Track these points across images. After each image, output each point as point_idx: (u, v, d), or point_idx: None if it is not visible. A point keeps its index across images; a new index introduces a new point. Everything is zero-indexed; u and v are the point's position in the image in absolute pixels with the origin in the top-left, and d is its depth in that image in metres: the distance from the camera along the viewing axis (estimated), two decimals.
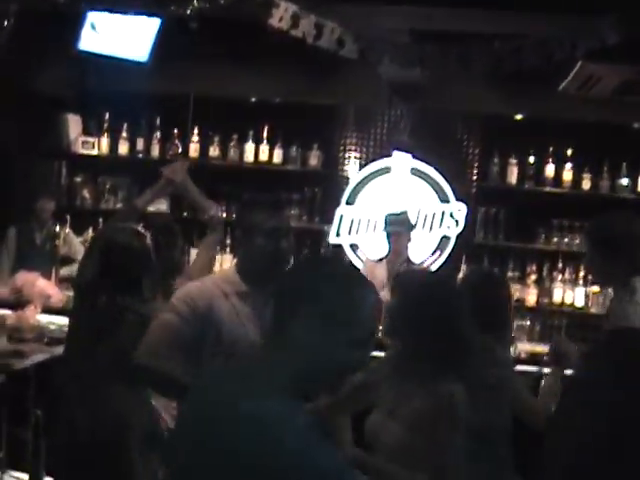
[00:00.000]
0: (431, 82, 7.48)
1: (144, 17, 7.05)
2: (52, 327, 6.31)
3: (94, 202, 8.87)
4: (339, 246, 8.21)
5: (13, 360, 5.54)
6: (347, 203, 8.29)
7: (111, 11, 6.90)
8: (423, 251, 8.07)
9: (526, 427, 3.89)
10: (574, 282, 8.10)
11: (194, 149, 8.64)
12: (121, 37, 7.31)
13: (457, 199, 8.21)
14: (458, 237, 8.22)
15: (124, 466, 4.23)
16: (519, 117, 8.25)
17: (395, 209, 7.34)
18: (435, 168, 8.21)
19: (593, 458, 1.92)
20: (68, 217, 8.08)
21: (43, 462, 5.67)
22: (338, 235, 8.23)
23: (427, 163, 8.21)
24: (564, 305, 8.10)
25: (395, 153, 8.23)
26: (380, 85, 7.89)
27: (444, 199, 8.22)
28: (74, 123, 8.76)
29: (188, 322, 3.62)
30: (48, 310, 6.57)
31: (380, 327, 2.37)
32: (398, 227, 7.02)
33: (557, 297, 8.13)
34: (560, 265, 8.18)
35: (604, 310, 6.50)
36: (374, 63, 7.01)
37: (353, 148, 8.48)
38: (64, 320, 5.50)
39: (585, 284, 8.00)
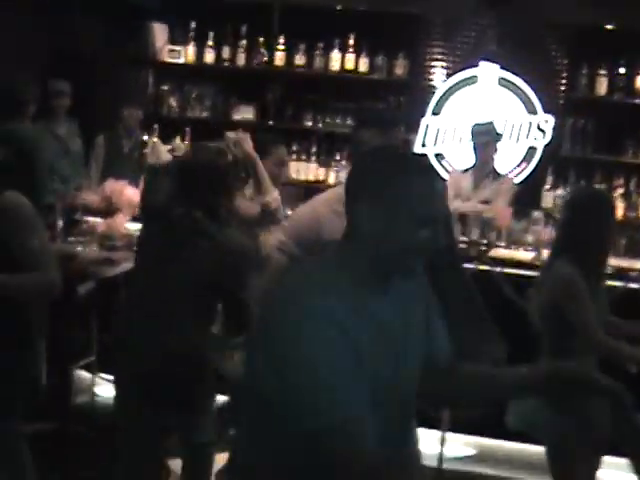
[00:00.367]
0: None
1: None
2: None
3: (181, 111, 8.92)
4: (424, 155, 8.17)
5: (103, 267, 5.65)
6: (433, 113, 8.23)
7: None
8: (509, 162, 8.01)
9: None
10: None
11: (280, 58, 8.60)
12: None
13: (545, 110, 8.09)
14: (545, 149, 8.14)
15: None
16: (610, 27, 8.04)
17: (481, 119, 7.27)
18: (523, 78, 8.09)
19: None
20: (156, 126, 8.14)
21: None
22: (424, 145, 8.21)
23: (514, 73, 8.09)
24: None
25: (482, 63, 8.13)
26: None
27: (531, 110, 8.11)
28: (160, 31, 8.77)
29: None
30: (136, 218, 6.67)
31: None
32: (484, 137, 6.96)
33: None
34: None
35: None
36: None
37: (439, 57, 8.38)
38: None
39: None
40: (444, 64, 8.37)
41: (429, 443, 5.31)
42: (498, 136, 7.06)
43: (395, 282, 2.24)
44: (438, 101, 8.23)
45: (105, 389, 6.00)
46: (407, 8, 8.12)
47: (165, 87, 8.97)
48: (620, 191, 8.06)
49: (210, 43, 8.73)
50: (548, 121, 8.07)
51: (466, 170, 7.14)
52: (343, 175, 7.57)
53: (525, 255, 6.27)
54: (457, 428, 5.63)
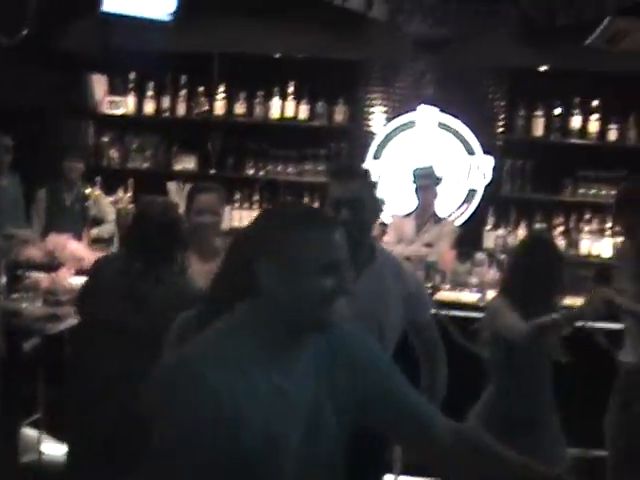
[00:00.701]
0: (456, 36, 7.45)
1: None
2: None
3: (122, 162, 8.90)
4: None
5: (49, 323, 5.56)
6: (373, 158, 8.30)
7: None
8: (451, 204, 8.10)
9: None
10: (601, 233, 8.11)
11: (220, 106, 8.64)
12: None
13: (484, 152, 8.21)
14: (485, 190, 8.24)
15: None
16: (544, 68, 8.19)
17: (422, 163, 7.34)
18: (461, 121, 8.21)
19: None
20: (98, 178, 8.10)
21: None
22: None
23: (453, 116, 8.21)
24: (590, 257, 8.11)
25: (421, 107, 8.23)
26: (405, 39, 7.87)
27: (470, 152, 8.22)
28: (99, 83, 8.78)
29: None
30: (81, 272, 6.61)
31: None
32: (425, 181, 7.01)
33: (584, 249, 8.15)
34: (587, 216, 8.17)
35: None
36: (403, 24, 6.97)
37: (379, 103, 8.47)
38: None
39: (612, 235, 7.99)
40: (383, 109, 8.45)
41: None
42: (438, 180, 7.12)
43: (310, 353, 2.24)
44: (378, 146, 8.31)
45: (52, 447, 5.91)
46: (346, 55, 8.19)
47: (106, 138, 8.94)
48: (560, 229, 8.18)
49: (150, 93, 8.75)
50: (487, 162, 8.18)
51: (408, 214, 7.19)
52: None
53: (470, 297, 6.33)
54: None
